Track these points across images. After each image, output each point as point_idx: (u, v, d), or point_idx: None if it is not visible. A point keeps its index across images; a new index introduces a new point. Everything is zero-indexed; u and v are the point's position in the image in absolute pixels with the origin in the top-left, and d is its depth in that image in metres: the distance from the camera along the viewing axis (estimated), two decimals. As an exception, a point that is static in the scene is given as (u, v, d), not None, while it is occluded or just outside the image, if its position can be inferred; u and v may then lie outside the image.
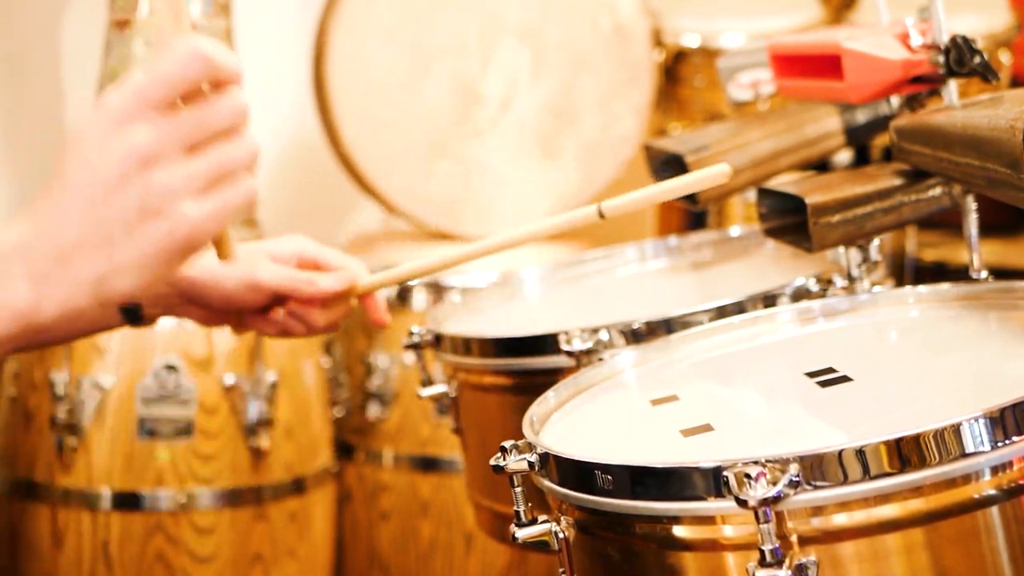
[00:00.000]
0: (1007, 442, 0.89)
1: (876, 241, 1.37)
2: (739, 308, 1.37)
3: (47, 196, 0.94)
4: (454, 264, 1.47)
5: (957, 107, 1.32)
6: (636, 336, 1.36)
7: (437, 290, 2.37)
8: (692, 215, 2.72)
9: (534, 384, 1.35)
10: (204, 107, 0.95)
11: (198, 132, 0.94)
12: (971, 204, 1.33)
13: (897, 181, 1.34)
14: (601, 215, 1.28)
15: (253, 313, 1.44)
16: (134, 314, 1.42)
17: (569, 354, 1.35)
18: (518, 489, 1.04)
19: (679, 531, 0.93)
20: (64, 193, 0.93)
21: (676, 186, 1.23)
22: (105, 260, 0.93)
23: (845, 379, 1.12)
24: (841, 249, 1.38)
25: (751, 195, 1.79)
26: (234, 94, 0.96)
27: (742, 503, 0.87)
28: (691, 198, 1.64)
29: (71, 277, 0.93)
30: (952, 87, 1.34)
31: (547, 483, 1.02)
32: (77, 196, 0.93)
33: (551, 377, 1.32)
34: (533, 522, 1.05)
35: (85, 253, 0.93)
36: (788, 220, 1.38)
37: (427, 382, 1.59)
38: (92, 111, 0.94)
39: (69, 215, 0.93)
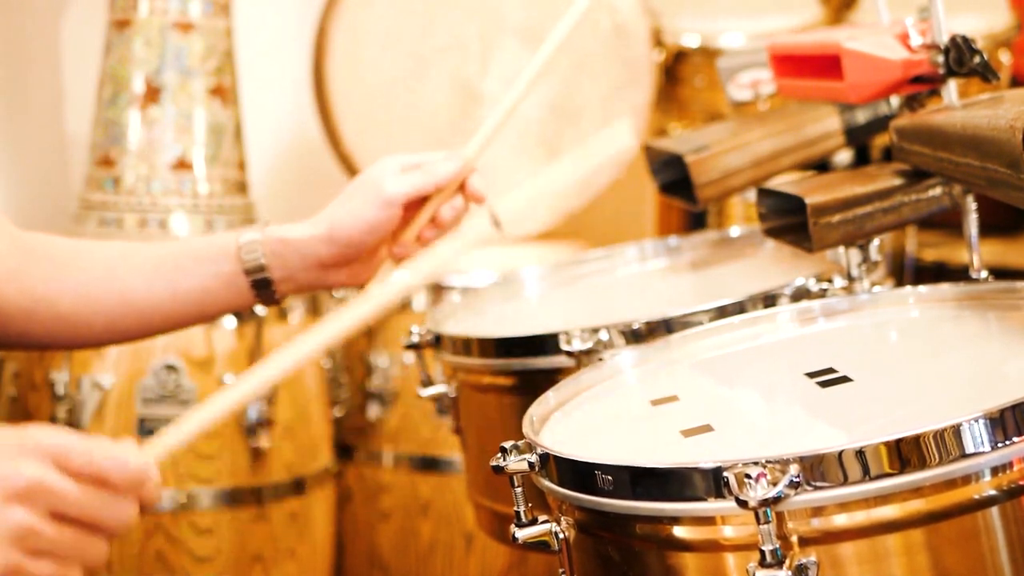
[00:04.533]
0: (1007, 443, 0.89)
1: (876, 241, 1.37)
2: (739, 308, 1.37)
3: None
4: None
5: (957, 107, 1.32)
6: (636, 336, 1.36)
7: (437, 290, 2.37)
8: (692, 215, 2.72)
9: (534, 384, 1.35)
10: (100, 498, 0.95)
11: (78, 510, 0.94)
12: (971, 204, 1.33)
13: (897, 181, 1.34)
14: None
15: (395, 240, 1.46)
16: (267, 290, 1.43)
17: (569, 354, 1.35)
18: (518, 489, 1.04)
19: (679, 531, 0.93)
20: None
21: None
22: None
23: (845, 379, 1.12)
24: (841, 249, 1.38)
25: (751, 195, 1.79)
26: (131, 507, 0.97)
27: (742, 504, 0.87)
28: (691, 198, 1.64)
29: None
30: (952, 87, 1.34)
31: (547, 483, 1.02)
32: None
33: (551, 377, 1.32)
34: (533, 522, 1.05)
35: None
36: (788, 220, 1.38)
37: (427, 382, 1.59)
38: (14, 430, 0.95)
39: None
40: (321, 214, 1.45)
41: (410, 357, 2.34)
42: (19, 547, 0.92)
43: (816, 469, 0.88)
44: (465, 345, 1.48)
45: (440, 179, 1.45)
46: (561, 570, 1.04)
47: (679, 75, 2.70)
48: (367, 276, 1.49)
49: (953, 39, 1.32)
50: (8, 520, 0.92)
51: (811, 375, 1.14)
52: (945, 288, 1.29)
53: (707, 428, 1.07)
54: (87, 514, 0.95)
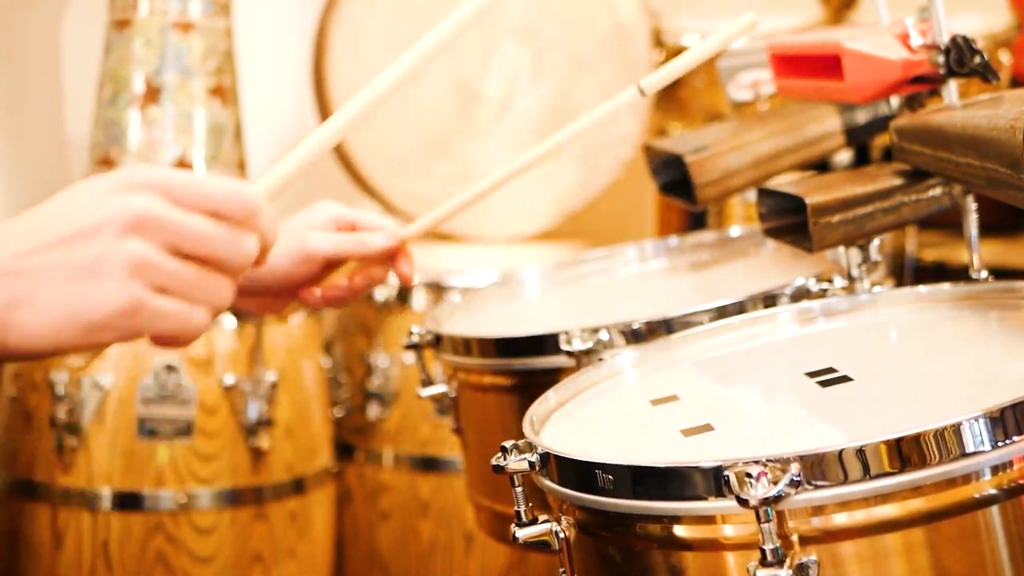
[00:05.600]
0: (1007, 442, 0.89)
1: (876, 241, 1.37)
2: (739, 308, 1.37)
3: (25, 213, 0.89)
4: (489, 192, 1.50)
5: (957, 107, 1.32)
6: (636, 336, 1.36)
7: (437, 290, 2.37)
8: (692, 215, 2.72)
9: (534, 384, 1.35)
10: (218, 229, 0.88)
11: (195, 243, 0.87)
12: (971, 204, 1.33)
13: (897, 181, 1.34)
14: (642, 93, 1.40)
15: (308, 287, 1.46)
16: None
17: (569, 354, 1.35)
18: (518, 489, 1.04)
19: (680, 531, 0.93)
20: (33, 215, 0.88)
21: (708, 45, 1.37)
22: (29, 289, 0.85)
23: (845, 379, 1.12)
24: (841, 249, 1.38)
25: (751, 195, 1.79)
26: (251, 240, 0.89)
27: (743, 503, 0.87)
28: (691, 198, 1.64)
29: None
30: (952, 87, 1.34)
31: (548, 483, 1.02)
32: (42, 220, 0.87)
33: (551, 377, 1.32)
34: (533, 522, 1.05)
35: (12, 273, 0.85)
36: (788, 220, 1.38)
37: (427, 382, 1.59)
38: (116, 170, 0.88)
39: (23, 232, 0.86)
40: None
41: (410, 357, 2.34)
42: (140, 280, 0.84)
43: (816, 468, 0.88)
44: (465, 345, 1.48)
45: (368, 252, 1.46)
46: (561, 570, 1.04)
47: (679, 75, 2.70)
48: (277, 310, 1.50)
49: (953, 39, 1.32)
50: (125, 251, 0.84)
51: (811, 375, 1.14)
52: (945, 288, 1.29)
53: (707, 427, 1.07)
54: (206, 247, 0.87)
